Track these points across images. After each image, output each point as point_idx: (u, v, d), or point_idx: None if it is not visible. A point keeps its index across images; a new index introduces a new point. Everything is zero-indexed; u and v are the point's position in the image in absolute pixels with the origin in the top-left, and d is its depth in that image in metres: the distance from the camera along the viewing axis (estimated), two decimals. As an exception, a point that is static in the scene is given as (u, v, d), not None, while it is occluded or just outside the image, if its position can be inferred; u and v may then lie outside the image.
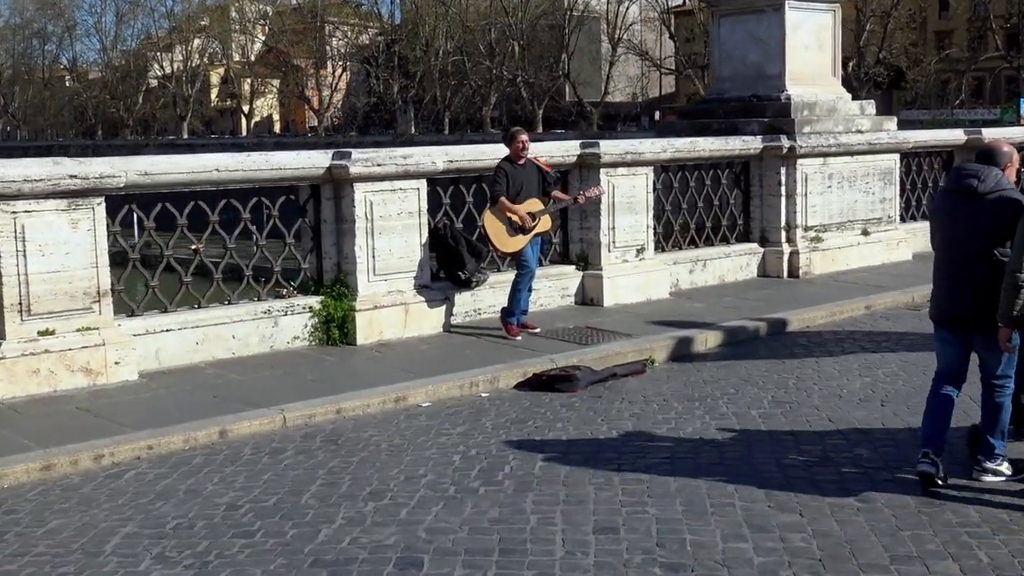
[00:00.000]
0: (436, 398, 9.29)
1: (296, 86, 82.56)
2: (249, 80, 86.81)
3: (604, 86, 71.00)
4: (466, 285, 11.72)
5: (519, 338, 11.16)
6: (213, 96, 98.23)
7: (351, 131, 75.37)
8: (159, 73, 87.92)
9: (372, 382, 9.45)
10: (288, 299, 10.98)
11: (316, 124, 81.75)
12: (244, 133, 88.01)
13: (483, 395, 9.48)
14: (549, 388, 9.57)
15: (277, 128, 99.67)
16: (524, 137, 11.28)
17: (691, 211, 14.71)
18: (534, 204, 11.33)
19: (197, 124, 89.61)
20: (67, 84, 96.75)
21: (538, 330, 11.48)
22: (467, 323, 11.83)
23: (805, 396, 9.16)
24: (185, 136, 79.29)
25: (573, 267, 13.16)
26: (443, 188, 12.03)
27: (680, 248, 14.54)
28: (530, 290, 11.66)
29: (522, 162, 11.32)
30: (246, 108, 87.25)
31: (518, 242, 11.29)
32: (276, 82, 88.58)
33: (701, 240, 14.79)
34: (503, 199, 11.13)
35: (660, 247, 14.20)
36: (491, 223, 11.25)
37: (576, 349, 10.68)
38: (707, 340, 11.30)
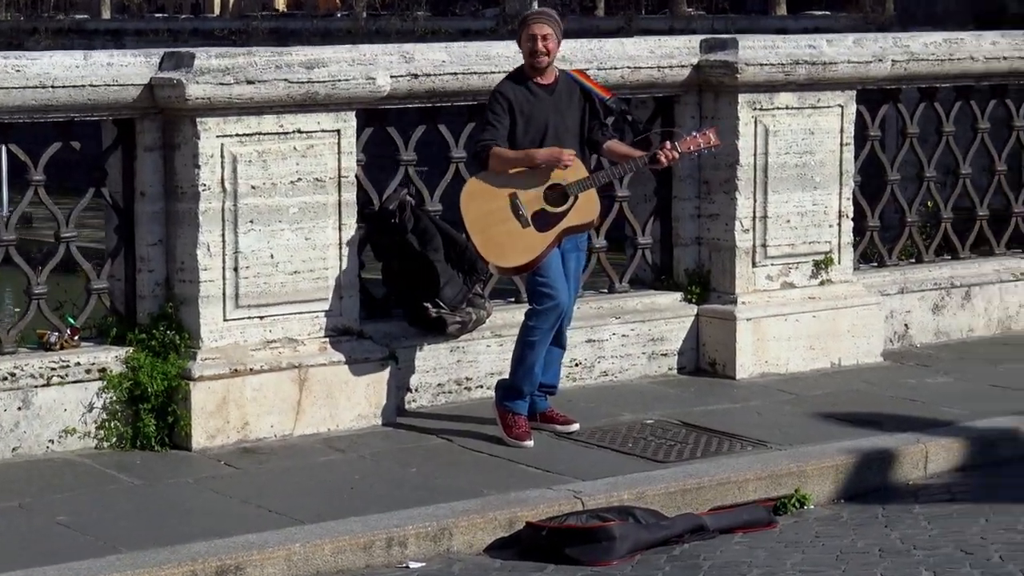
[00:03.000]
0: (309, 571, 9.23)
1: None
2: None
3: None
4: (439, 328, 11.70)
5: (528, 443, 11.15)
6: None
7: (418, 9, 75.91)
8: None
9: (189, 532, 9.45)
10: (58, 351, 11.07)
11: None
12: (217, 11, 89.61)
13: (412, 566, 9.46)
14: (554, 554, 9.60)
15: (280, 3, 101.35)
16: (544, 28, 11.10)
17: (943, 185, 14.66)
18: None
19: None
20: None
21: (574, 427, 11.54)
22: (440, 407, 12.04)
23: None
24: (106, 15, 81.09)
25: (678, 296, 13.23)
26: (401, 130, 12.24)
27: (916, 259, 14.70)
28: (562, 345, 11.58)
29: (547, 80, 11.19)
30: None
31: (528, 245, 11.01)
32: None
33: (965, 246, 14.93)
34: (497, 149, 10.99)
35: (870, 257, 14.35)
36: (474, 204, 11.16)
37: (638, 472, 10.70)
38: (926, 457, 11.38)
